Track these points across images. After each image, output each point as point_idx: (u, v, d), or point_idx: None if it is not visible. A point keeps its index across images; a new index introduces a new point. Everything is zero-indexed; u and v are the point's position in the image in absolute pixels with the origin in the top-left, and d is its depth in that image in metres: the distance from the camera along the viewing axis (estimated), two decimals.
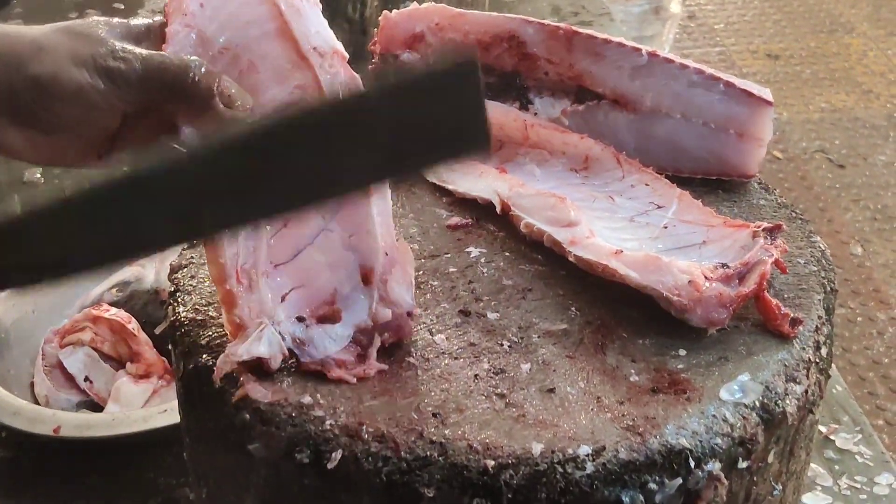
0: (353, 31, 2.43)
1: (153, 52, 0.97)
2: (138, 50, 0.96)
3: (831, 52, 4.57)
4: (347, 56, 1.02)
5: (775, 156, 3.75)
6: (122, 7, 2.98)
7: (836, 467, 1.45)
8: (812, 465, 1.39)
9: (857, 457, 1.47)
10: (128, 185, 0.77)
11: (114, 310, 1.54)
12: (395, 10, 1.21)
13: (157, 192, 0.77)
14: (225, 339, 0.94)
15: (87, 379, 1.49)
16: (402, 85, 0.79)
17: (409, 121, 0.79)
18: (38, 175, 2.18)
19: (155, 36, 1.01)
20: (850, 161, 3.78)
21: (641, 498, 0.82)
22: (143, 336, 1.52)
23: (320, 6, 1.05)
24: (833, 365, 1.05)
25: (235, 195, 0.79)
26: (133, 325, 1.52)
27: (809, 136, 3.92)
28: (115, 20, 1.00)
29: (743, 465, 0.87)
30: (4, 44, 0.94)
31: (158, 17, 1.03)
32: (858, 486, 1.42)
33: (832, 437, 1.50)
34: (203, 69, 0.96)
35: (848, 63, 4.48)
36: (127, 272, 1.61)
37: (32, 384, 1.50)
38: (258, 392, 0.88)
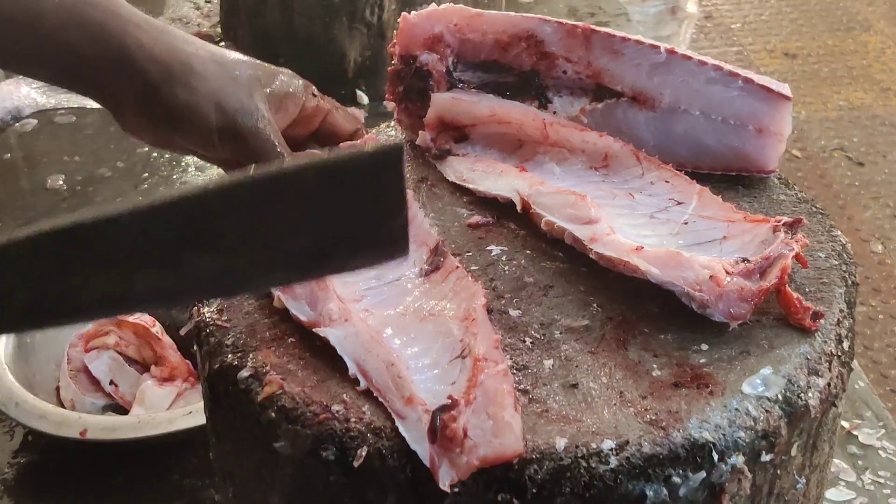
0: (371, 34, 2.43)
1: (268, 136, 1.05)
2: (259, 128, 1.04)
3: (849, 49, 4.55)
4: None
5: (794, 154, 3.74)
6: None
7: (860, 462, 1.45)
8: (835, 460, 1.39)
9: (880, 452, 1.47)
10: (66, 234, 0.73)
11: (137, 313, 1.55)
12: (413, 12, 1.22)
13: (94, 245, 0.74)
14: (249, 338, 0.95)
15: (112, 382, 1.51)
16: (320, 164, 0.76)
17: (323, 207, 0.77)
18: (61, 182, 2.19)
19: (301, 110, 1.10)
20: (869, 159, 3.76)
21: (665, 491, 0.83)
22: (167, 339, 1.53)
23: None
24: (855, 361, 1.05)
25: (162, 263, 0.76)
26: (157, 328, 1.53)
27: (828, 134, 3.91)
28: (276, 72, 1.09)
29: (766, 458, 0.87)
30: (161, 53, 1.02)
31: (314, 102, 1.12)
32: (882, 481, 1.42)
33: (855, 433, 1.49)
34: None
35: (866, 60, 4.46)
36: None
37: (58, 388, 1.52)
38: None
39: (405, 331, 0.95)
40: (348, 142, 1.15)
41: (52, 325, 0.82)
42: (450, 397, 0.82)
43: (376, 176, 0.78)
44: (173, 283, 0.77)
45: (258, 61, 1.11)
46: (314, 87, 1.15)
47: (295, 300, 0.97)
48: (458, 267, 1.01)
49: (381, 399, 0.88)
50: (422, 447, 0.82)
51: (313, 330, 0.95)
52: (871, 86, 4.26)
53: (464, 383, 0.86)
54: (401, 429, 0.84)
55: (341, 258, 0.81)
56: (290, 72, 1.13)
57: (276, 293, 0.99)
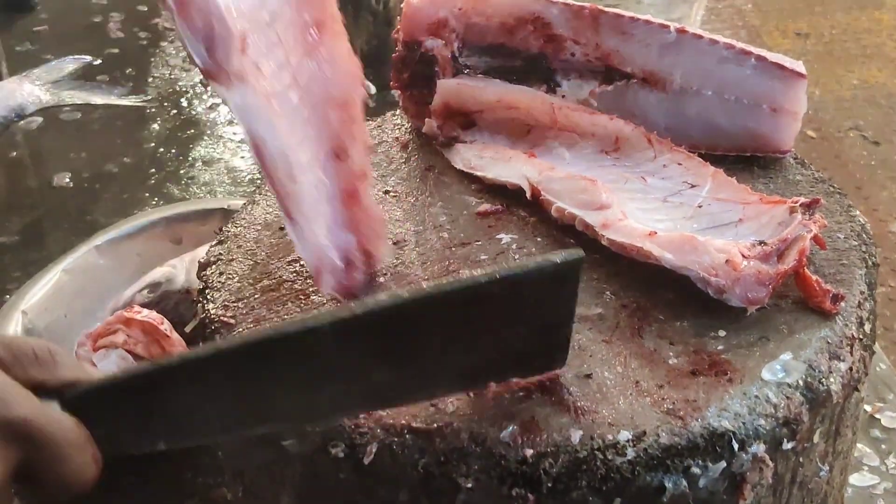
0: (377, 23, 2.42)
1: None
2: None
3: (862, 27, 4.50)
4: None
5: (809, 135, 3.70)
6: (146, 9, 2.99)
7: (883, 446, 1.42)
8: (858, 444, 1.36)
9: None
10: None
11: (146, 311, 1.53)
12: None
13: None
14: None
15: None
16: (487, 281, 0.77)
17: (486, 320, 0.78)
18: (68, 179, 2.18)
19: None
20: (885, 137, 3.72)
21: (685, 483, 0.81)
22: (175, 336, 1.51)
23: None
24: (876, 343, 1.03)
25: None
26: (165, 325, 1.51)
27: (843, 113, 3.87)
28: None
29: (788, 446, 0.85)
30: None
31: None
32: None
33: (878, 416, 1.47)
34: None
35: (880, 38, 4.42)
36: (157, 273, 1.61)
37: None
38: None
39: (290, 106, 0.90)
40: None
41: (241, 433, 0.84)
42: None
43: (555, 287, 0.80)
44: (354, 395, 0.79)
45: None
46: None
47: (193, 34, 0.83)
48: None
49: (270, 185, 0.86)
50: (308, 255, 0.84)
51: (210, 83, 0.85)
52: (885, 64, 4.21)
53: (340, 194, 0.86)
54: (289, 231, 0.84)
55: (505, 369, 0.82)
56: None
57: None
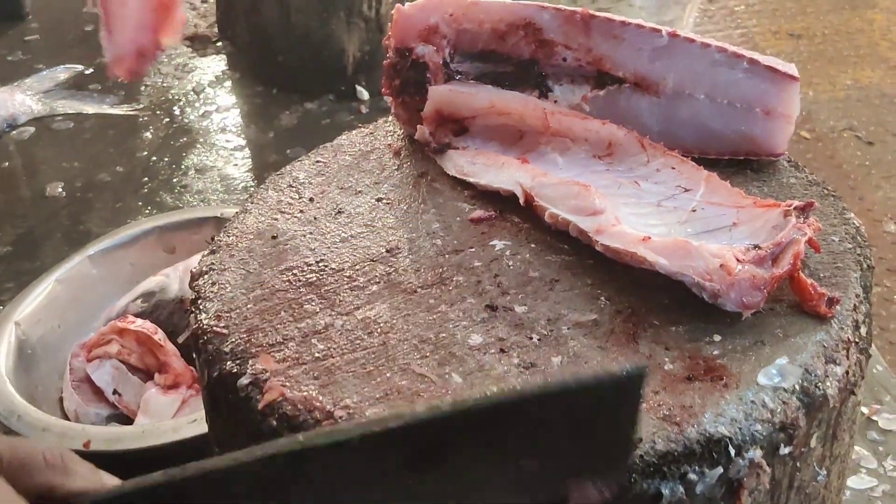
0: (370, 29, 2.42)
1: None
2: None
3: (855, 28, 4.50)
4: None
5: (803, 136, 3.70)
6: None
7: (881, 449, 1.42)
8: (855, 447, 1.36)
9: None
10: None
11: (139, 321, 1.53)
12: (407, 3, 1.19)
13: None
14: (248, 345, 0.93)
15: (115, 392, 1.49)
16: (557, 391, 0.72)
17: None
18: (61, 189, 2.18)
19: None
20: (879, 138, 3.72)
21: (682, 489, 0.80)
22: (169, 346, 1.51)
23: None
24: (872, 344, 1.03)
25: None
26: (159, 335, 1.51)
27: (837, 114, 3.87)
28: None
29: (785, 451, 0.85)
30: None
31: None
32: None
33: (875, 418, 1.47)
34: None
35: (872, 39, 4.42)
36: (151, 282, 1.61)
37: (61, 399, 1.50)
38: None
39: None
40: None
41: None
42: None
43: (615, 403, 0.73)
44: None
45: None
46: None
47: None
48: None
49: None
50: (112, 50, 1.02)
51: None
52: (878, 64, 4.21)
53: None
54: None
55: (558, 487, 0.75)
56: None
57: None
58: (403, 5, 1.19)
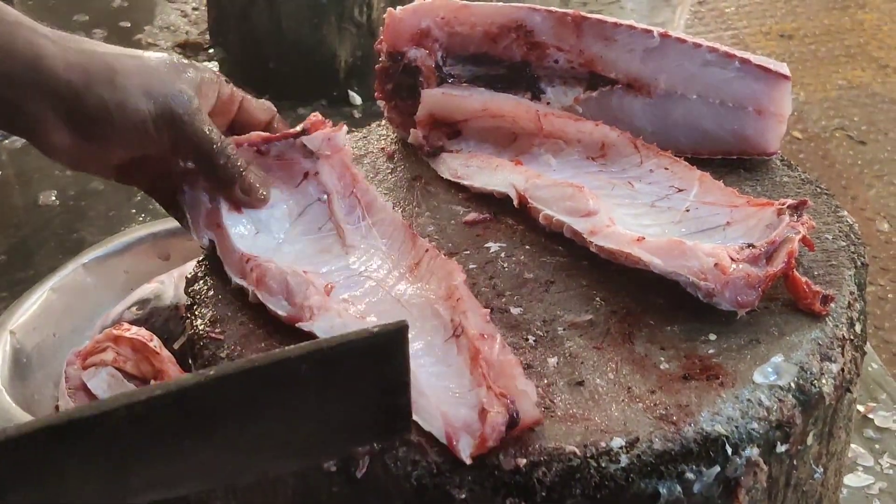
0: (361, 34, 2.42)
1: (203, 118, 1.02)
2: (192, 111, 1.01)
3: (845, 28, 4.52)
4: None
5: (795, 136, 3.71)
6: (129, 25, 2.98)
7: (877, 446, 1.42)
8: (852, 445, 1.36)
9: None
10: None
11: (134, 328, 1.52)
12: (399, 7, 1.19)
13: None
14: (244, 350, 0.93)
15: None
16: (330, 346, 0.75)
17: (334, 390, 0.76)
18: (54, 198, 2.18)
19: (217, 97, 1.07)
20: (870, 137, 3.73)
21: (679, 489, 0.80)
22: (165, 353, 1.50)
23: None
24: (867, 342, 1.03)
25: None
26: (155, 342, 1.50)
27: (828, 114, 3.88)
28: (188, 64, 1.05)
29: (781, 448, 0.85)
30: (76, 59, 0.98)
31: (228, 89, 1.09)
32: None
33: (870, 416, 1.47)
34: (231, 158, 1.03)
35: (863, 38, 4.43)
36: (146, 289, 1.60)
37: (57, 408, 1.49)
38: None
39: (390, 316, 0.93)
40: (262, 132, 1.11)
41: None
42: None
43: (380, 358, 0.76)
44: (171, 474, 0.74)
45: (167, 54, 1.08)
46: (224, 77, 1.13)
47: (272, 295, 0.96)
48: (428, 249, 1.00)
49: None
50: (436, 426, 0.81)
51: (296, 325, 0.93)
52: (868, 63, 4.22)
53: (467, 363, 0.85)
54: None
55: (342, 442, 0.80)
56: (199, 63, 1.11)
57: (250, 289, 0.98)
58: (395, 9, 1.19)
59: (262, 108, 1.13)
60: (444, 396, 0.84)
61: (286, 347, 0.75)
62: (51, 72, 0.97)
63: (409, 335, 0.78)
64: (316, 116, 1.12)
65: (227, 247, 1.04)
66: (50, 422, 0.69)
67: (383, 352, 0.76)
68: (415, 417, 0.81)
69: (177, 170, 1.06)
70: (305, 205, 1.09)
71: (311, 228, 1.06)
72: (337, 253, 1.03)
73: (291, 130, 1.10)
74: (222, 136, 1.04)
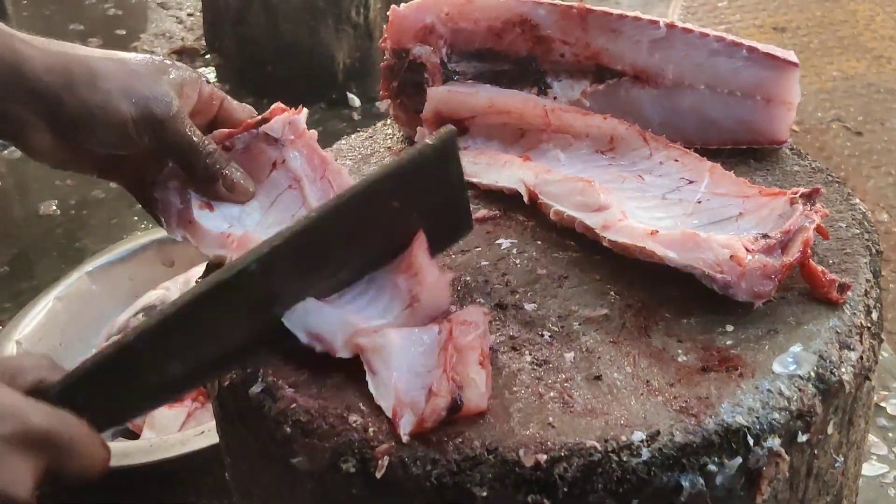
0: (359, 35, 2.41)
1: (184, 119, 1.04)
2: (173, 112, 1.03)
3: (838, 19, 4.51)
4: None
5: (792, 129, 3.71)
6: (124, 33, 2.97)
7: (890, 435, 1.42)
8: None
9: None
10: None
11: None
12: (403, 4, 1.19)
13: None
14: None
15: None
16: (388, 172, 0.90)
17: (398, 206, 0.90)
18: (55, 207, 2.17)
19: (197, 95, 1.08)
20: (867, 127, 3.73)
21: (701, 481, 0.80)
22: None
23: None
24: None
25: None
26: None
27: (824, 105, 3.88)
28: (169, 64, 1.07)
29: (803, 438, 0.84)
30: (56, 62, 1.00)
31: (209, 89, 1.10)
32: None
33: (883, 405, 1.47)
34: (212, 156, 1.05)
35: (856, 29, 4.43)
36: (151, 296, 1.60)
37: None
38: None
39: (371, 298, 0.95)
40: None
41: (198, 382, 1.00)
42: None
43: (441, 162, 0.91)
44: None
45: (149, 55, 1.09)
46: (207, 77, 1.13)
47: None
48: None
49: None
50: (386, 402, 0.84)
51: None
52: (863, 54, 4.22)
53: (441, 344, 0.88)
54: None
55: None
56: (181, 63, 1.12)
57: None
58: (399, 6, 1.19)
59: (241, 108, 1.13)
60: (405, 374, 0.86)
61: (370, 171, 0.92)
62: (32, 75, 0.99)
63: (377, 310, 0.91)
64: (277, 105, 1.12)
65: (202, 242, 1.06)
66: (202, 290, 0.85)
67: (442, 155, 0.91)
68: (371, 390, 0.85)
69: (151, 170, 1.08)
70: (276, 194, 1.09)
71: (285, 217, 1.06)
72: None
73: (251, 120, 1.10)
74: (203, 136, 1.06)
